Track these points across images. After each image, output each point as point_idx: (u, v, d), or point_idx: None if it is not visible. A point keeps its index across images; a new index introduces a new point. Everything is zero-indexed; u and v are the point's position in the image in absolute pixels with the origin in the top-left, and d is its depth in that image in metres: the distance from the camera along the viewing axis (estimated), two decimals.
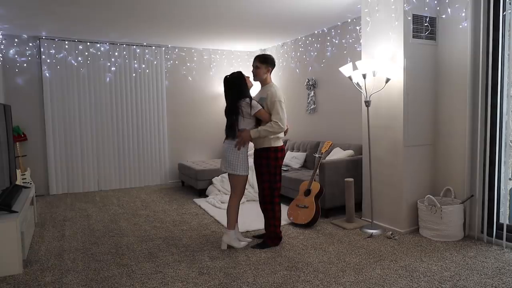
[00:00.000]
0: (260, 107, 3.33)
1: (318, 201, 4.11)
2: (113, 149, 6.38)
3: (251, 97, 3.38)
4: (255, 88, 3.54)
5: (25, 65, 5.78)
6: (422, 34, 3.71)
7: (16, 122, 5.73)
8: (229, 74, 3.42)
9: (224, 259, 3.19)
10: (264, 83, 3.51)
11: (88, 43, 6.10)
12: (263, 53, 3.53)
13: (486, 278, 2.75)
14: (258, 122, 3.41)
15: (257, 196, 5.24)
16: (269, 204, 3.46)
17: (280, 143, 3.45)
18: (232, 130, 3.34)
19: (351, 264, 3.04)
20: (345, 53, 5.27)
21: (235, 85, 3.37)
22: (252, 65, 3.52)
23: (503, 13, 3.31)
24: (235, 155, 3.34)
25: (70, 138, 6.07)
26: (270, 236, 3.50)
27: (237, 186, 3.42)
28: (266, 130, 3.30)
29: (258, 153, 3.47)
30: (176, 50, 6.82)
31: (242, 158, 3.36)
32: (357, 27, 4.98)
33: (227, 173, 3.61)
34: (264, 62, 3.46)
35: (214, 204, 5.03)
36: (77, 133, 6.11)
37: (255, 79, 3.54)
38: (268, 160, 3.40)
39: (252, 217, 4.37)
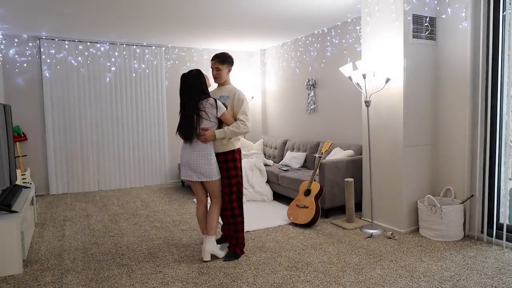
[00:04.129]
0: (225, 109, 3.15)
1: (318, 201, 4.11)
2: (113, 149, 6.38)
3: (213, 97, 3.19)
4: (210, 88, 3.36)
5: (25, 65, 5.78)
6: (422, 34, 3.71)
7: (16, 122, 5.74)
8: (186, 71, 3.16)
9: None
10: (225, 83, 3.33)
11: (88, 43, 6.10)
12: (221, 52, 3.32)
13: (486, 278, 2.75)
14: (220, 124, 3.20)
15: (257, 196, 5.30)
16: (238, 209, 3.26)
17: (239, 144, 3.32)
18: (192, 131, 3.08)
19: (351, 264, 3.04)
20: (345, 53, 5.28)
21: (196, 84, 3.11)
22: (212, 67, 3.29)
23: (503, 13, 3.31)
24: (206, 161, 3.12)
25: (70, 138, 6.07)
26: (238, 244, 3.29)
27: (216, 191, 3.22)
28: (233, 131, 3.12)
29: (223, 157, 3.21)
30: (176, 50, 6.82)
31: (214, 162, 3.16)
32: (357, 27, 4.98)
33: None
34: (224, 63, 3.26)
35: None
36: (77, 133, 6.11)
37: (215, 81, 3.34)
38: (235, 163, 3.22)
39: (251, 217, 4.37)
